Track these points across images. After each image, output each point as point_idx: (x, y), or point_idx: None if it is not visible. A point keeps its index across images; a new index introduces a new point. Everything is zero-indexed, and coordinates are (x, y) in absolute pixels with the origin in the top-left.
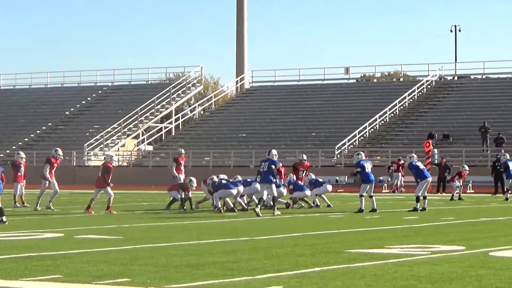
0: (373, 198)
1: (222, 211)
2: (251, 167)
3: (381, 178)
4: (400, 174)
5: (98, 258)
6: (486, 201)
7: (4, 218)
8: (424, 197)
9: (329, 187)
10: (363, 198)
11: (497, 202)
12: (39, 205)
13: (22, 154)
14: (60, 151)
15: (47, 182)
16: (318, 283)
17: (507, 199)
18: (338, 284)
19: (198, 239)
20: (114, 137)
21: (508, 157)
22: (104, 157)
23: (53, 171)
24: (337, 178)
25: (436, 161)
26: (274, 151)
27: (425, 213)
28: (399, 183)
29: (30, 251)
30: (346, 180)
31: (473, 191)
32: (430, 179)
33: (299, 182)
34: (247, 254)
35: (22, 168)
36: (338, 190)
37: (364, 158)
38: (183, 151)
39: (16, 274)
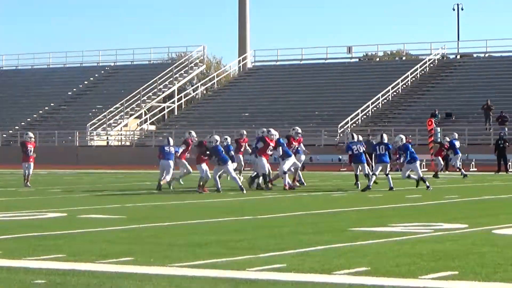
0: (371, 176)
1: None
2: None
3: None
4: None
5: (101, 238)
6: (488, 179)
7: None
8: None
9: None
10: (374, 177)
11: (500, 180)
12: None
13: (31, 134)
14: (193, 133)
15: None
16: (321, 261)
17: (465, 175)
18: (341, 262)
19: (202, 218)
20: (117, 117)
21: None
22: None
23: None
24: (340, 157)
25: (438, 139)
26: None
27: (429, 191)
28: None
29: (33, 231)
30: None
31: (476, 169)
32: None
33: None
34: (251, 233)
35: (32, 148)
36: (341, 169)
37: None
38: (244, 132)
39: (20, 253)
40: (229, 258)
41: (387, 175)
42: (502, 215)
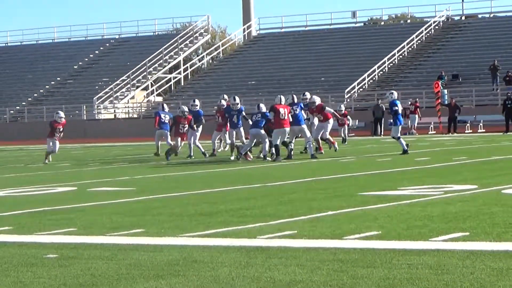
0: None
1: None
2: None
3: (390, 121)
4: (417, 116)
5: (112, 210)
6: (497, 139)
7: None
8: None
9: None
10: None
11: (509, 141)
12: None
13: (62, 114)
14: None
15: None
16: (332, 227)
17: (404, 153)
18: (351, 227)
19: (211, 187)
20: (123, 90)
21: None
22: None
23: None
24: (351, 124)
25: (446, 102)
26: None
27: (437, 153)
28: (415, 124)
29: (43, 206)
30: (356, 124)
31: (484, 130)
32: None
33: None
34: (260, 200)
35: (61, 128)
36: (349, 134)
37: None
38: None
39: (30, 229)
40: (239, 226)
41: (398, 138)
42: (511, 175)
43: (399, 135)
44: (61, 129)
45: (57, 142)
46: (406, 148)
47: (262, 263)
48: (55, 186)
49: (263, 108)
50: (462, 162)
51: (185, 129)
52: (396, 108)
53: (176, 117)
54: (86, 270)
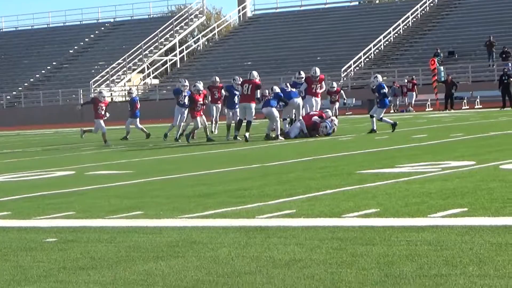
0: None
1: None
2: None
3: (389, 98)
4: (414, 93)
5: (110, 193)
6: (494, 115)
7: None
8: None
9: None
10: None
11: (506, 116)
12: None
13: (104, 93)
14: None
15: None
16: (331, 205)
17: (394, 127)
18: (350, 205)
19: (208, 168)
20: (120, 73)
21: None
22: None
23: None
24: (344, 101)
25: (442, 79)
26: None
27: (434, 130)
28: (413, 102)
29: (42, 190)
30: (353, 102)
31: (481, 106)
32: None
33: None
34: (258, 180)
35: (103, 107)
36: (346, 113)
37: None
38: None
39: (29, 213)
40: (238, 206)
41: (380, 119)
42: (509, 151)
43: (381, 116)
44: (105, 108)
45: (101, 122)
46: (392, 122)
47: (261, 242)
48: (53, 171)
49: (277, 89)
50: (460, 138)
51: (203, 106)
52: (385, 90)
53: (210, 87)
54: (86, 253)
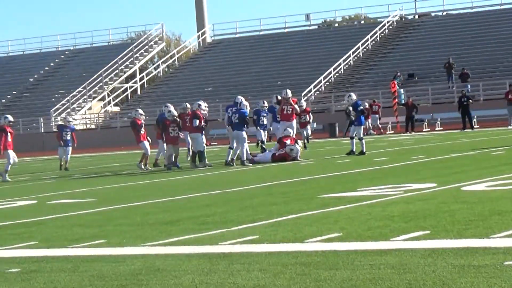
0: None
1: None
2: (219, 120)
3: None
4: (377, 116)
5: (73, 222)
6: (455, 137)
7: None
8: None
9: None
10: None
11: (466, 138)
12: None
13: (141, 111)
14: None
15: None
16: (293, 230)
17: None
18: (313, 230)
19: (172, 195)
20: (80, 101)
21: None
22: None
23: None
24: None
25: (402, 101)
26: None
27: (395, 152)
28: (377, 124)
29: (3, 220)
30: (314, 126)
31: (441, 128)
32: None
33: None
34: (221, 206)
35: (142, 124)
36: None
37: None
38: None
39: None
40: (201, 233)
41: (360, 139)
42: (470, 172)
43: (361, 135)
44: (142, 125)
45: (146, 143)
46: (354, 148)
47: (225, 269)
48: (15, 200)
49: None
50: (421, 160)
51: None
52: (362, 107)
53: (181, 114)
54: (49, 283)
